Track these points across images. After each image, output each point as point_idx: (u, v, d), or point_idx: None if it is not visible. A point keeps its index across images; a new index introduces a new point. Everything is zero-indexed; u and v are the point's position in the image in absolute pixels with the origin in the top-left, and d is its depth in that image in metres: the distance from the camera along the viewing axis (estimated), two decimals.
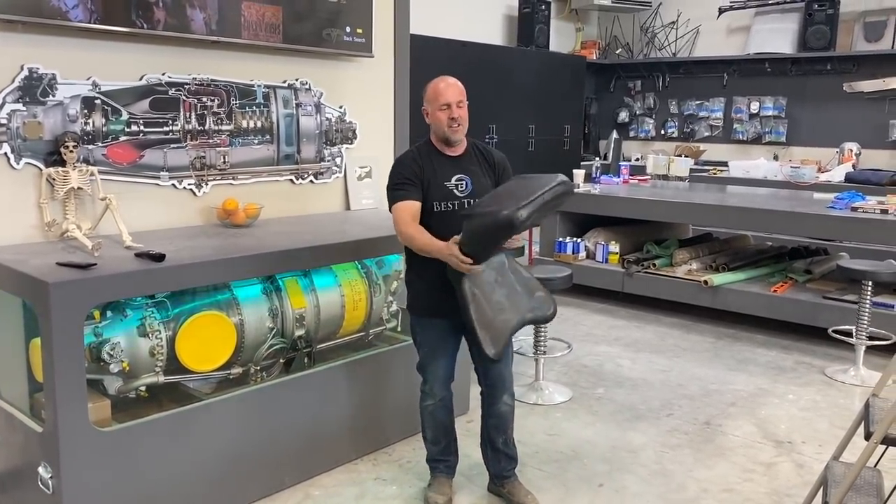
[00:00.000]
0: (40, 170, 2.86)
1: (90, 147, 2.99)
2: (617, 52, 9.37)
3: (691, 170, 7.15)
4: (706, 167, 8.01)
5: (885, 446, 2.28)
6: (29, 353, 2.75)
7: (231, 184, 3.48)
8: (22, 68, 2.80)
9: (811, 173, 6.80)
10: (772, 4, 8.04)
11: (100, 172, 2.96)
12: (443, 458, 3.00)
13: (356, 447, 3.32)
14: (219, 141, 3.41)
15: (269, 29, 3.45)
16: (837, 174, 6.82)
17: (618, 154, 8.00)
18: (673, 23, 8.91)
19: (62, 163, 2.86)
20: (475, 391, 3.10)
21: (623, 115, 9.34)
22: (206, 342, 2.88)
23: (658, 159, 7.13)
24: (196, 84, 3.31)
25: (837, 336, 4.65)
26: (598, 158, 8.51)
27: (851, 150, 7.33)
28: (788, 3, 7.89)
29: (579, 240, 6.15)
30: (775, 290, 5.23)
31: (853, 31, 7.62)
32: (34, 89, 2.84)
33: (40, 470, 2.47)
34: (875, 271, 4.35)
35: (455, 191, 2.73)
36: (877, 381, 2.67)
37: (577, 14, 9.17)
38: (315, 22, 3.62)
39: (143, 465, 2.59)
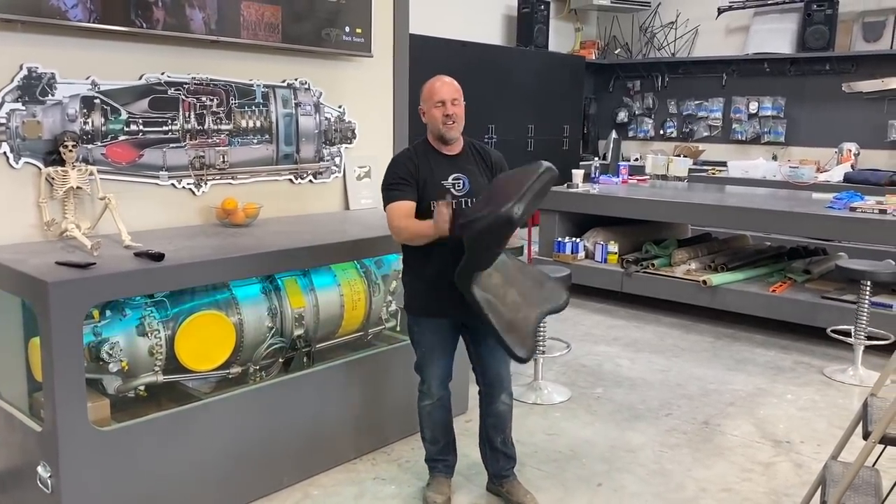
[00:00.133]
0: (39, 169, 2.86)
1: (89, 146, 2.99)
2: (616, 52, 9.38)
3: (690, 170, 7.15)
4: (705, 167, 8.02)
5: (883, 446, 2.28)
6: (28, 352, 2.75)
7: (230, 183, 3.48)
8: (21, 68, 2.80)
9: (810, 173, 6.80)
10: (771, 4, 8.05)
11: (99, 172, 2.96)
12: (441, 458, 3.00)
13: (355, 447, 3.32)
14: (218, 140, 3.41)
15: (269, 28, 3.45)
16: (836, 174, 6.83)
17: (617, 154, 8.01)
18: (672, 23, 8.92)
19: (61, 162, 2.86)
20: (473, 391, 3.10)
21: (622, 115, 9.35)
22: (205, 342, 2.88)
23: (657, 159, 7.13)
24: (195, 84, 3.31)
25: (836, 336, 4.65)
26: (597, 158, 8.51)
27: (850, 150, 7.34)
28: (787, 3, 7.90)
29: (578, 240, 6.15)
30: (774, 290, 5.23)
31: (852, 32, 7.63)
32: (33, 88, 2.84)
33: (39, 469, 2.47)
34: (874, 271, 4.35)
35: (452, 190, 2.73)
36: (875, 381, 2.68)
37: (577, 14, 9.18)
38: (314, 21, 3.62)
39: (142, 464, 2.59)
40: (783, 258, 5.95)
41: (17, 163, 2.82)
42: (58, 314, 2.32)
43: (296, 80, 3.70)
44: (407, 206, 2.69)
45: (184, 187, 3.32)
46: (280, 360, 3.18)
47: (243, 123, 3.50)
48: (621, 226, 6.24)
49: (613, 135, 7.75)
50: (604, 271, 5.95)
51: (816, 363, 4.68)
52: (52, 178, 2.85)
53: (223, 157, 3.44)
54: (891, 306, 4.76)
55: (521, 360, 2.63)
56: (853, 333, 4.47)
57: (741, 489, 3.13)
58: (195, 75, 3.31)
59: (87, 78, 2.98)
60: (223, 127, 3.43)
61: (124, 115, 3.09)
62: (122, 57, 3.07)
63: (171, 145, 3.25)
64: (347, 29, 3.76)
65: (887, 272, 4.35)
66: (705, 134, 8.72)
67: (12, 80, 2.79)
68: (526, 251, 6.48)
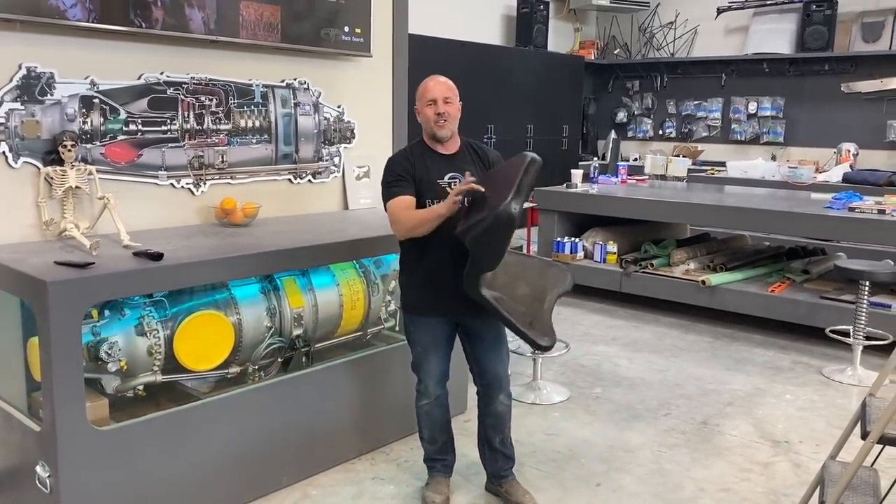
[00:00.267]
0: (38, 169, 2.86)
1: (88, 146, 2.99)
2: (615, 52, 9.38)
3: (689, 170, 7.16)
4: (704, 167, 8.02)
5: (881, 445, 2.28)
6: (27, 352, 2.75)
7: (229, 183, 3.48)
8: (20, 67, 2.80)
9: (809, 173, 6.81)
10: (770, 5, 8.05)
11: (98, 171, 2.96)
12: (440, 458, 3.00)
13: (354, 446, 3.32)
14: (217, 140, 3.41)
15: (268, 28, 3.45)
16: (835, 174, 6.83)
17: (616, 154, 8.03)
18: (671, 23, 8.92)
19: (60, 162, 2.86)
20: (472, 390, 3.10)
21: (621, 115, 9.35)
22: (203, 341, 2.88)
23: (656, 159, 7.14)
24: (194, 83, 3.31)
25: (835, 336, 4.66)
26: (596, 158, 8.52)
27: (849, 151, 7.34)
28: (786, 3, 7.90)
29: (577, 240, 6.15)
30: (773, 290, 5.24)
31: (851, 32, 7.63)
32: (32, 88, 2.84)
33: (38, 469, 2.47)
34: (872, 271, 4.36)
35: (448, 188, 2.73)
36: (874, 381, 2.68)
37: (576, 14, 9.17)
38: (313, 21, 3.62)
39: (140, 464, 2.59)
40: (782, 258, 5.95)
41: (15, 162, 2.81)
42: (56, 314, 2.32)
43: (295, 79, 3.70)
44: (408, 200, 2.70)
45: (183, 187, 3.32)
46: (279, 359, 3.18)
47: (242, 123, 3.50)
48: (620, 226, 6.25)
49: (612, 135, 7.76)
50: (603, 271, 5.95)
51: (815, 363, 4.68)
52: (51, 178, 2.85)
53: (222, 157, 3.44)
54: (889, 306, 4.76)
55: (546, 349, 2.71)
56: (852, 333, 4.47)
57: (740, 489, 3.14)
58: (194, 75, 3.31)
59: (86, 77, 2.98)
60: (222, 127, 3.43)
61: (123, 115, 3.09)
62: (121, 56, 3.07)
63: (170, 145, 3.25)
64: (347, 29, 3.76)
65: (886, 272, 4.35)
66: (704, 134, 8.72)
67: (11, 80, 2.79)
68: (525, 251, 6.48)
